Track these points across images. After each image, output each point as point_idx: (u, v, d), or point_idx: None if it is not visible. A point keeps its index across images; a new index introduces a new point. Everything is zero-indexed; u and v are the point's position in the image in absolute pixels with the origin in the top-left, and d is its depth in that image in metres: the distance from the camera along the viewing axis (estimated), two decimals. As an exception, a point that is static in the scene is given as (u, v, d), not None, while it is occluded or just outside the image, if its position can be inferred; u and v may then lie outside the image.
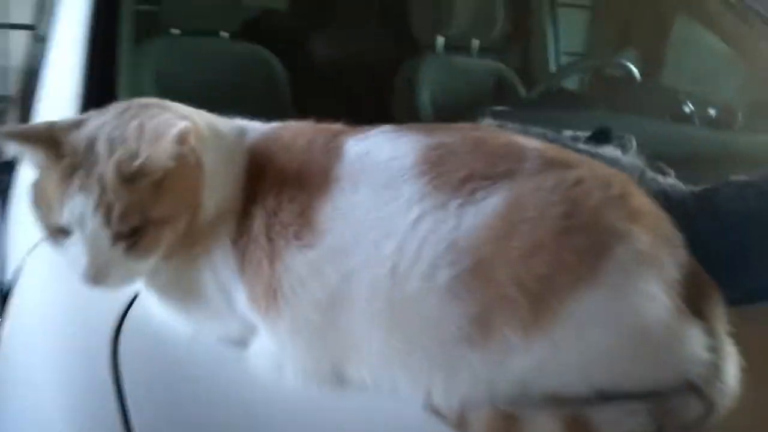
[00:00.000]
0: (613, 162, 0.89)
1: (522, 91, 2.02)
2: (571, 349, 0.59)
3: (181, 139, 0.64)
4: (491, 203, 0.62)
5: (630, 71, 1.81)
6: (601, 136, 0.96)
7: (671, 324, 0.62)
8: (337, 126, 0.76)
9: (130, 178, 0.63)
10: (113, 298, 0.76)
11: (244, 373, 0.70)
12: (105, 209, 0.63)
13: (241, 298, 0.70)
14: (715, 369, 0.62)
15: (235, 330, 0.72)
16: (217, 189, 0.70)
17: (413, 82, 1.97)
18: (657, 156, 1.00)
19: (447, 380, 0.62)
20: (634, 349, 0.60)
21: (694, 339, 0.62)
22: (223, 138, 0.73)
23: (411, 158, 0.66)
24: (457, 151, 0.66)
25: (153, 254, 0.67)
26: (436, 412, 0.64)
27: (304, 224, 0.66)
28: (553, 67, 2.22)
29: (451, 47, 2.01)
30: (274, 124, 0.78)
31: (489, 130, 0.72)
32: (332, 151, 0.70)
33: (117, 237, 0.64)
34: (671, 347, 0.62)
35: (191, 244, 0.70)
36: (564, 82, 1.95)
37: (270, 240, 0.67)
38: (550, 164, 0.65)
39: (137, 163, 0.63)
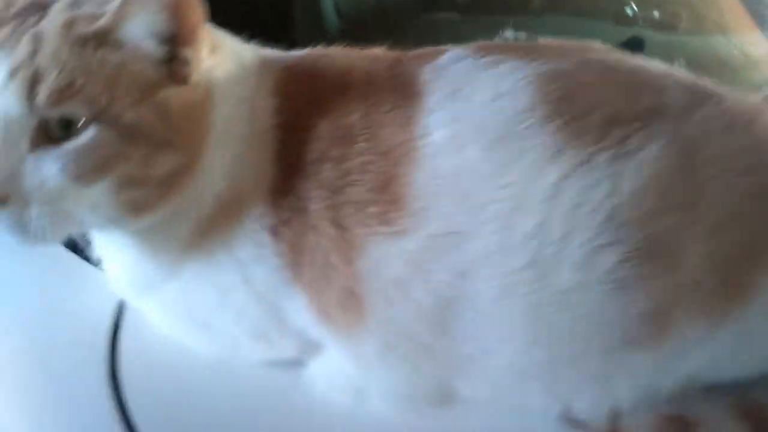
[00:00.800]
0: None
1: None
2: (760, 332, 0.48)
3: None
4: (653, 154, 0.46)
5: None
6: (632, 46, 0.82)
7: None
8: (382, 52, 0.55)
9: (86, 40, 0.43)
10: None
11: (305, 401, 0.51)
12: (29, 75, 0.41)
13: (296, 309, 0.50)
14: None
15: (288, 351, 0.53)
16: (233, 147, 0.49)
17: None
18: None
19: (600, 390, 0.49)
20: None
21: None
22: (245, 69, 0.51)
23: (526, 95, 0.48)
24: (583, 81, 0.49)
25: (102, 177, 0.44)
26: (575, 424, 0.50)
27: (392, 202, 0.47)
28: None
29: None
30: (302, 52, 0.55)
31: (598, 49, 0.55)
32: (405, 90, 0.49)
33: (41, 130, 0.42)
34: None
35: (199, 230, 0.49)
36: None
37: (340, 227, 0.47)
38: (696, 93, 0.50)
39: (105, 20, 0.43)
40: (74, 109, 0.42)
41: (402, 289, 0.47)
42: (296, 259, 0.48)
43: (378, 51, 0.55)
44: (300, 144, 0.49)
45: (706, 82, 0.55)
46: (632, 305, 0.45)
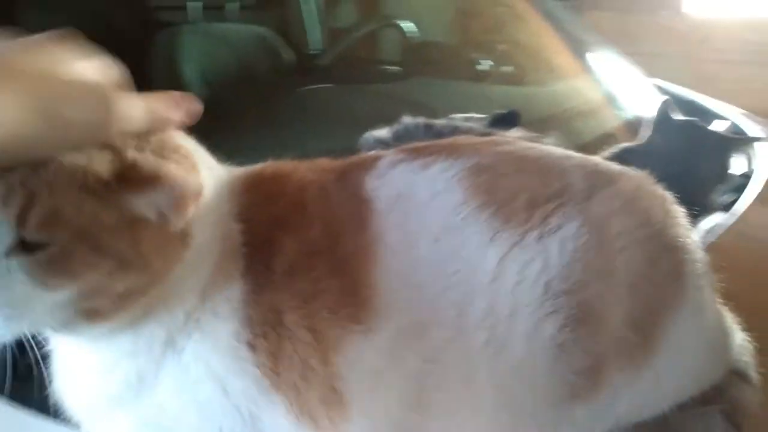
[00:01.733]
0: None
1: (289, 55, 1.87)
2: (671, 373, 0.56)
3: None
4: (571, 231, 0.54)
5: (403, 31, 1.80)
6: (506, 120, 0.92)
7: (723, 318, 0.63)
8: (327, 162, 0.59)
9: (89, 189, 0.44)
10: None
11: None
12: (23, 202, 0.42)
13: (275, 416, 0.51)
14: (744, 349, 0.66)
15: None
16: (205, 266, 0.50)
17: (173, 56, 1.69)
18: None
19: None
20: (713, 354, 0.60)
21: (733, 326, 0.65)
22: (219, 195, 0.53)
23: (459, 190, 0.54)
24: (504, 172, 0.56)
25: (67, 284, 0.45)
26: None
27: (360, 302, 0.50)
28: (310, 29, 2.10)
29: (208, 10, 1.78)
30: (260, 167, 0.58)
31: (504, 140, 0.63)
32: (354, 200, 0.54)
33: (19, 242, 0.43)
34: (730, 342, 0.63)
35: (171, 346, 0.50)
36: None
37: (316, 332, 0.50)
38: (591, 175, 0.59)
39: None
40: (58, 236, 0.43)
41: (379, 379, 0.50)
42: (274, 368, 0.50)
43: (324, 162, 0.59)
44: (268, 259, 0.51)
45: (594, 160, 0.64)
46: (572, 364, 0.52)
